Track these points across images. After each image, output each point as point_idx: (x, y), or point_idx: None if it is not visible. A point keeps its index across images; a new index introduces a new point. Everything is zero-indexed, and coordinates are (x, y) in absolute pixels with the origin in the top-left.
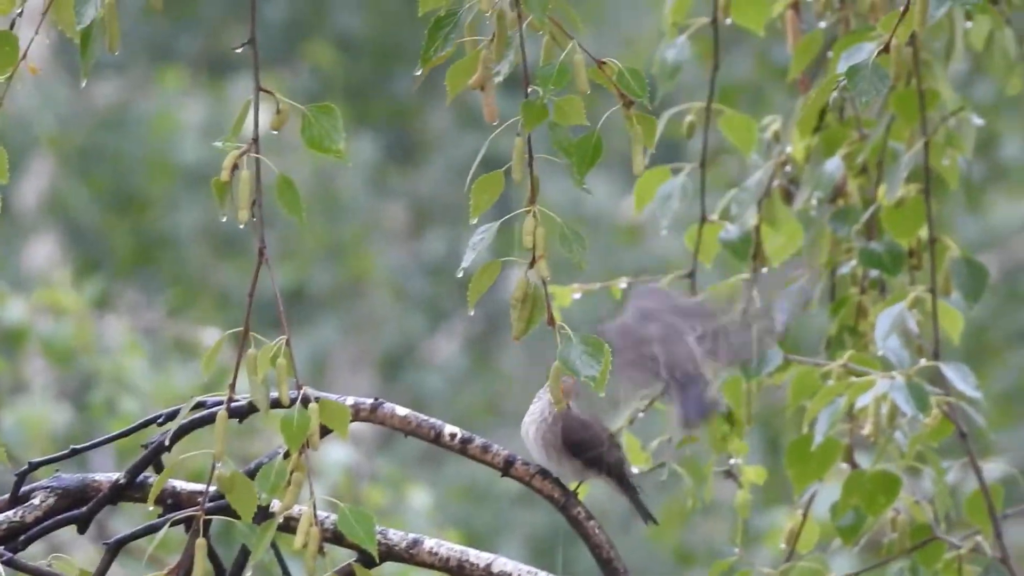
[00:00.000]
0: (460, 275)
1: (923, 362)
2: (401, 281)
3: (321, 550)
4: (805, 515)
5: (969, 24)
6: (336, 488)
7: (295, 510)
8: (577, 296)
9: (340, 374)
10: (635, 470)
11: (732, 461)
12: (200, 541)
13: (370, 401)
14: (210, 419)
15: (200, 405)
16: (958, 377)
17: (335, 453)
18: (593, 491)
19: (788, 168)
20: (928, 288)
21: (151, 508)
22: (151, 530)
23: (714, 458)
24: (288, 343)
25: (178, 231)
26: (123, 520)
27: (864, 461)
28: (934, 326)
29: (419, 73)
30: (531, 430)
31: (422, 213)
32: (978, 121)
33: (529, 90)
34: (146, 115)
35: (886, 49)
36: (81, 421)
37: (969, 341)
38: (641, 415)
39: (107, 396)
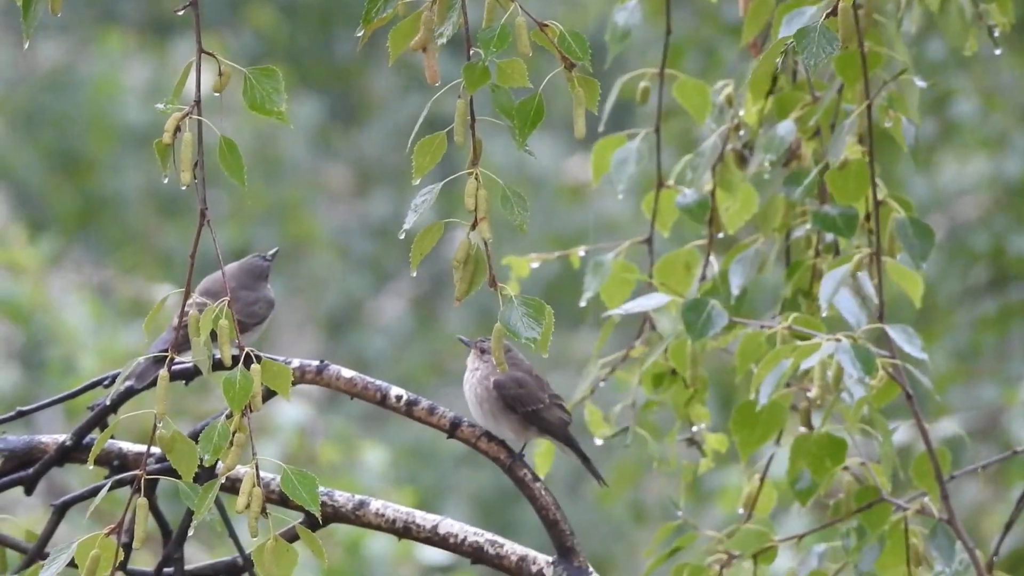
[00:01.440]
0: (402, 236)
1: (866, 322)
2: (345, 242)
3: (264, 511)
4: (763, 479)
5: None
6: (290, 446)
7: (241, 471)
8: (535, 266)
9: (284, 335)
10: (598, 441)
11: (695, 428)
12: (141, 500)
13: (316, 363)
14: (156, 381)
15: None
16: (903, 339)
17: (289, 411)
18: (530, 457)
19: (742, 132)
20: (873, 250)
21: (91, 468)
22: (97, 491)
23: (678, 425)
24: (230, 304)
25: (122, 192)
26: (79, 479)
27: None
28: (879, 287)
29: (361, 34)
30: (467, 387)
31: (366, 174)
32: (921, 83)
33: (471, 52)
34: (89, 77)
35: (834, 12)
36: (28, 381)
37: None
38: (602, 384)
39: (64, 354)
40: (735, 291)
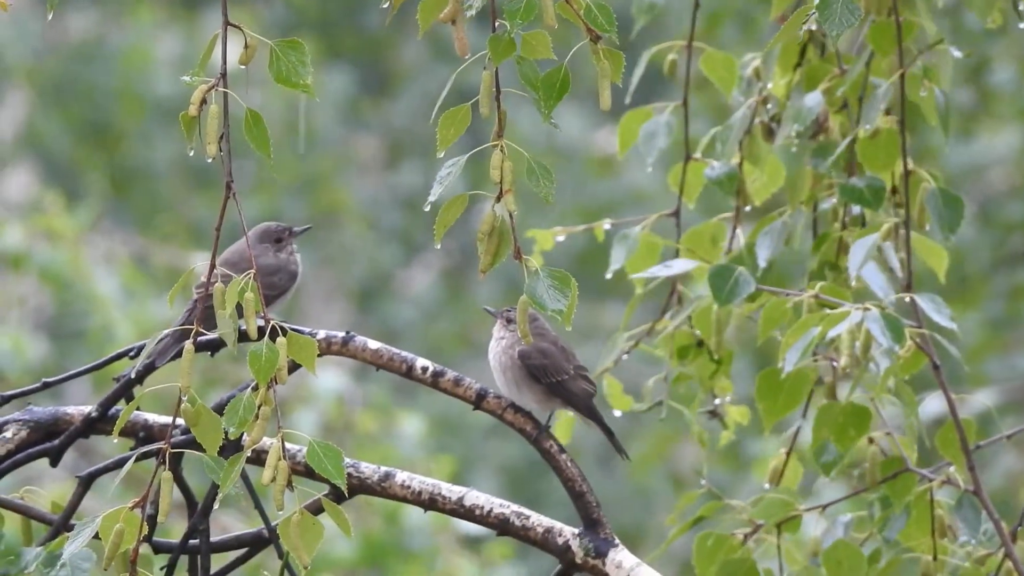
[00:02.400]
0: (427, 209)
1: (893, 294)
2: (375, 213)
3: (290, 484)
4: (789, 453)
5: None
6: (328, 415)
7: (268, 442)
8: (561, 239)
9: (314, 305)
10: (617, 413)
11: (716, 401)
12: (165, 474)
13: (341, 335)
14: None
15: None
16: (932, 308)
17: (327, 380)
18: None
19: (769, 105)
20: (903, 220)
21: (116, 440)
22: (123, 463)
23: (699, 396)
24: (256, 277)
25: (152, 164)
26: (114, 448)
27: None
28: (907, 258)
29: (387, 6)
30: (492, 356)
31: (396, 145)
32: (956, 53)
33: (497, 24)
34: (120, 48)
35: None
36: (57, 352)
37: (951, 270)
38: (625, 357)
39: (102, 323)
40: (762, 263)
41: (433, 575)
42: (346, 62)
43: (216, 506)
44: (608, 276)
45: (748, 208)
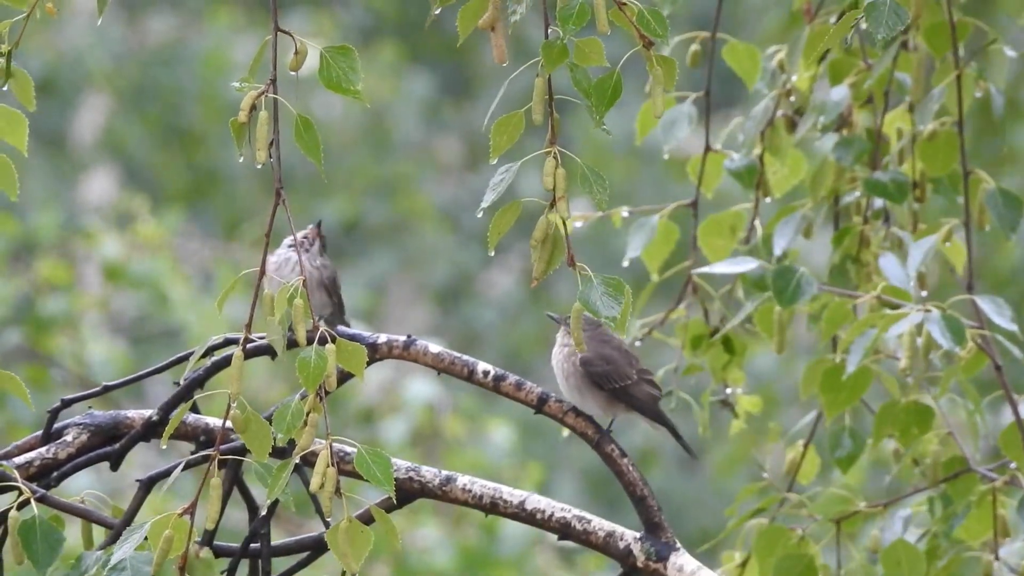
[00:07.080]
0: (480, 215)
1: (924, 292)
2: (456, 215)
3: (338, 491)
4: (806, 447)
5: None
6: (417, 422)
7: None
8: (579, 224)
9: (395, 308)
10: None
11: (728, 391)
12: (214, 481)
13: (403, 338)
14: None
15: (232, 342)
16: (992, 309)
17: (417, 387)
18: (647, 431)
19: (792, 98)
20: (963, 221)
21: (164, 446)
22: (184, 467)
23: (712, 386)
24: (304, 284)
25: (230, 168)
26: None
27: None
28: (969, 259)
29: (437, 12)
30: (555, 362)
31: (477, 147)
32: (1011, 53)
33: (549, 31)
34: (199, 52)
35: None
36: (137, 355)
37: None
38: (639, 343)
39: (199, 331)
40: (778, 252)
41: None
42: (426, 65)
43: (264, 512)
44: (625, 264)
45: (768, 200)
